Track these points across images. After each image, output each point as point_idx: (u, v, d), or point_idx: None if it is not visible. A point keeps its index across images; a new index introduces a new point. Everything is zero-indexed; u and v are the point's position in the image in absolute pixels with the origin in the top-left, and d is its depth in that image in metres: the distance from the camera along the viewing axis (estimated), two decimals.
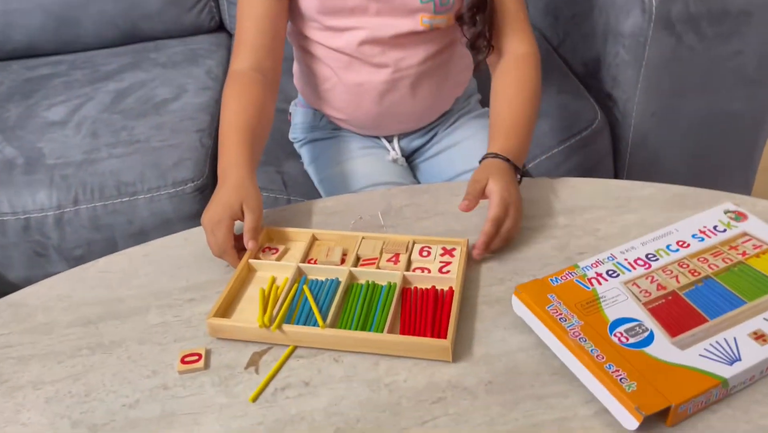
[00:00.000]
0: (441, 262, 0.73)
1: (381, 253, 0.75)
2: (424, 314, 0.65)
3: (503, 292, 0.69)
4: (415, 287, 0.69)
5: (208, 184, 1.12)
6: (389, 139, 1.05)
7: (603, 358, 0.57)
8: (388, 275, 0.70)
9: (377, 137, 1.05)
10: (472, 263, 0.73)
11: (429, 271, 0.71)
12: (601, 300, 0.63)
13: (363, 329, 0.65)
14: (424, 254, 0.74)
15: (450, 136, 1.05)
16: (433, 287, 0.69)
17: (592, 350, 0.58)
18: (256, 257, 0.76)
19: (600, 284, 0.65)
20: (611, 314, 0.61)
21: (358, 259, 0.75)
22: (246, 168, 0.78)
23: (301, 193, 1.07)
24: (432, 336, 0.62)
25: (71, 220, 1.07)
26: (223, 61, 1.46)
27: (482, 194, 0.74)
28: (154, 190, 1.08)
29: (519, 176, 0.79)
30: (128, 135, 1.17)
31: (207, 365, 0.65)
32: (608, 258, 0.68)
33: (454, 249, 0.74)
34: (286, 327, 0.65)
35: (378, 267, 0.72)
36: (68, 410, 0.62)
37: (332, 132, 1.06)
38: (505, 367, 0.61)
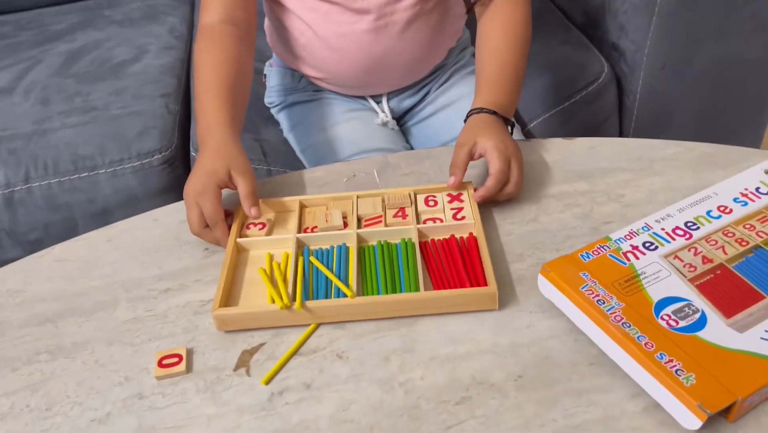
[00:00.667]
0: (452, 209, 0.68)
1: (384, 210, 0.68)
2: (453, 264, 0.62)
3: (525, 270, 0.62)
4: (433, 240, 0.65)
5: (178, 155, 1.01)
6: (377, 100, 0.95)
7: (652, 346, 0.50)
8: (400, 231, 0.65)
9: (363, 98, 0.95)
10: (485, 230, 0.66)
11: (442, 220, 0.67)
12: (641, 277, 0.55)
13: (394, 292, 0.59)
14: (431, 203, 0.69)
15: (444, 94, 0.96)
16: (452, 236, 0.65)
17: (638, 337, 0.50)
18: (243, 235, 0.67)
19: (637, 258, 0.57)
20: (654, 293, 0.54)
21: (360, 220, 0.67)
22: (229, 128, 0.70)
23: (283, 163, 0.97)
24: (471, 286, 0.59)
25: (23, 200, 0.96)
26: (187, 17, 1.33)
27: (469, 160, 0.69)
28: (116, 163, 0.97)
29: (510, 130, 0.74)
30: (83, 101, 1.05)
31: (189, 368, 0.56)
32: (643, 228, 0.60)
33: (460, 194, 0.69)
34: (310, 304, 0.58)
35: (386, 225, 0.67)
36: (27, 428, 0.53)
37: (313, 94, 0.96)
38: (535, 358, 0.54)
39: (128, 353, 0.58)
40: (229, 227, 0.67)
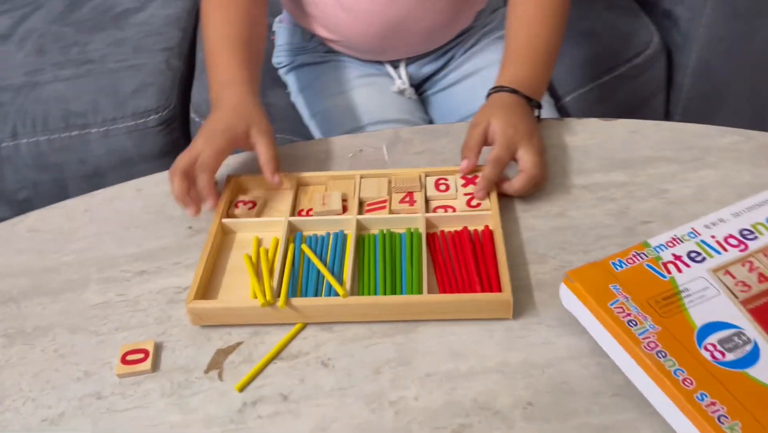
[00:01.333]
0: (466, 195, 0.60)
1: (389, 193, 0.61)
2: (464, 262, 0.55)
3: (547, 274, 0.54)
4: (442, 231, 0.58)
5: (176, 117, 0.94)
6: (395, 65, 0.86)
7: (692, 383, 0.42)
8: (406, 219, 0.58)
9: (380, 62, 0.86)
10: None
11: (454, 209, 0.60)
12: (684, 295, 0.47)
13: (393, 292, 0.52)
14: (442, 188, 0.61)
15: (470, 61, 0.86)
16: (465, 228, 0.57)
17: (675, 371, 0.42)
18: (230, 215, 0.60)
19: (680, 271, 0.49)
20: (698, 315, 0.46)
21: (361, 204, 0.60)
22: (248, 86, 0.64)
23: (290, 130, 0.90)
24: (482, 290, 0.52)
25: (11, 157, 0.91)
26: None
27: (483, 142, 0.61)
28: (110, 122, 0.90)
29: (537, 112, 0.65)
30: (80, 53, 0.98)
31: (155, 367, 0.50)
32: (689, 234, 0.52)
33: (476, 177, 0.61)
34: (296, 301, 0.51)
35: (391, 211, 0.60)
36: None
37: (325, 56, 0.87)
38: (550, 382, 0.47)
39: (92, 344, 0.53)
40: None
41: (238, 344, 0.51)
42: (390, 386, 0.47)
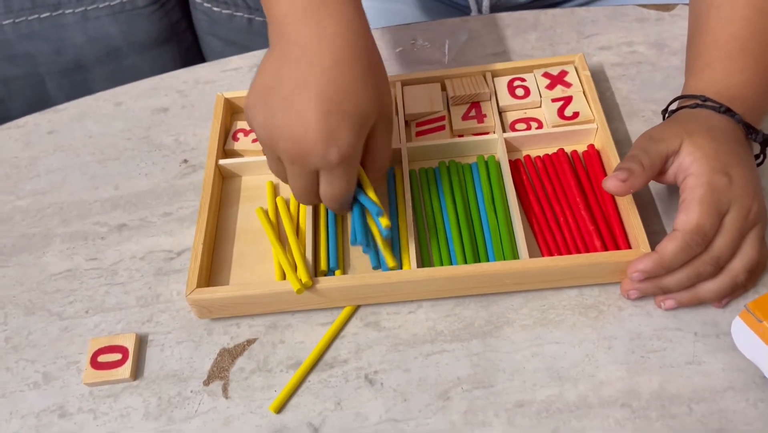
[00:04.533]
0: (555, 100, 0.44)
1: (447, 106, 0.46)
2: (567, 203, 0.41)
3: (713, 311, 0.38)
4: (528, 157, 0.44)
5: None
6: None
7: None
8: (476, 143, 0.43)
9: None
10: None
11: (540, 124, 0.45)
12: None
13: (476, 258, 0.39)
14: (519, 92, 0.45)
15: None
16: (561, 150, 0.43)
17: None
18: (228, 153, 0.45)
19: None
20: None
21: (408, 124, 0.46)
22: (358, 13, 0.36)
23: None
24: (603, 245, 0.38)
25: None
26: None
27: (661, 169, 0.37)
28: (88, 1, 0.72)
29: (759, 146, 0.40)
30: None
31: (136, 373, 0.37)
32: None
33: (563, 73, 0.46)
34: (338, 280, 0.37)
35: (453, 133, 0.45)
36: None
37: None
38: (701, 427, 0.32)
39: (54, 331, 0.40)
40: None
41: (250, 342, 0.38)
42: (462, 421, 0.34)
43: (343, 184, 0.35)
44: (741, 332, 0.33)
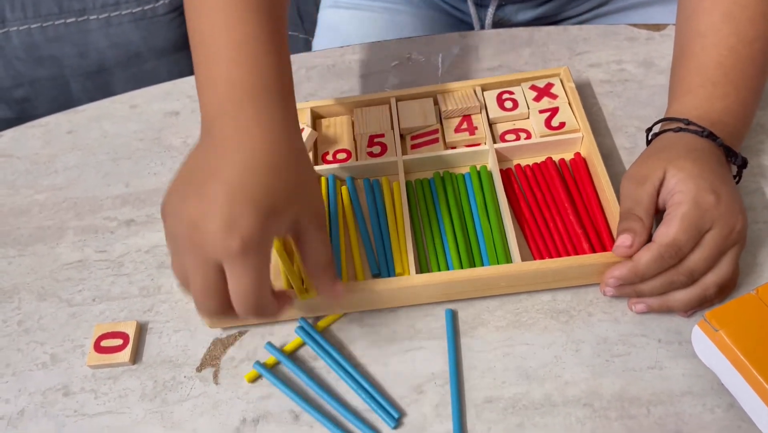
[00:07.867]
0: (542, 111, 0.47)
1: (439, 119, 0.48)
2: (556, 208, 0.43)
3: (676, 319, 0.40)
4: (518, 166, 0.46)
5: None
6: (483, 2, 0.62)
7: None
8: (468, 154, 0.46)
9: None
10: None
11: (528, 134, 0.47)
12: None
13: (471, 263, 0.41)
14: (508, 105, 0.48)
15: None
16: (549, 159, 0.46)
17: None
18: None
19: None
20: None
21: (403, 137, 0.49)
22: (287, 97, 0.37)
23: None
24: (591, 248, 0.41)
25: (2, 48, 0.79)
26: None
27: (656, 206, 0.39)
28: (111, 8, 0.77)
29: (735, 168, 0.42)
30: None
31: (135, 358, 0.41)
32: None
33: (549, 85, 0.48)
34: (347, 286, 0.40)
35: (446, 145, 0.47)
36: None
37: None
38: (658, 428, 0.35)
39: (62, 317, 0.43)
40: None
41: (241, 334, 0.41)
42: (433, 414, 0.36)
43: (251, 277, 0.32)
44: (700, 340, 0.35)
